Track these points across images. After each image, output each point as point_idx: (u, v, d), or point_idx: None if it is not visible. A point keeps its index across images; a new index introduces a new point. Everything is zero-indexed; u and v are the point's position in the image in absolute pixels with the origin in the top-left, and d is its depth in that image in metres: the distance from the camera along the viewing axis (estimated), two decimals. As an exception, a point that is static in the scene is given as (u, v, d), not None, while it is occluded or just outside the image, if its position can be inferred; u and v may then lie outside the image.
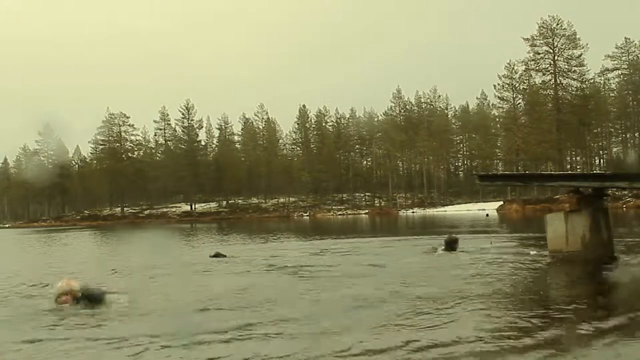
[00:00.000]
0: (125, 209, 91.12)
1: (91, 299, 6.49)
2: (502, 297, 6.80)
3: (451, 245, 11.65)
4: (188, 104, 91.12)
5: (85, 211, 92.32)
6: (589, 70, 71.30)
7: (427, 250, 12.41)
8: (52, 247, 24.92)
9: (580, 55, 69.45)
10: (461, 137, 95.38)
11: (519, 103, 74.33)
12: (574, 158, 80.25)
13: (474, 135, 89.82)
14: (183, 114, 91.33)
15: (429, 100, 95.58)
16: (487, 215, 17.07)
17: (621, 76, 75.14)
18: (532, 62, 71.04)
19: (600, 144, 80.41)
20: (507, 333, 4.92)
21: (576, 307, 6.04)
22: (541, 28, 69.68)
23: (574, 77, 70.61)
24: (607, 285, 7.90)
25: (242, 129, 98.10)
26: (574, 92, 71.07)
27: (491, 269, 9.11)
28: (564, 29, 69.12)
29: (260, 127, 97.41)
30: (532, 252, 10.89)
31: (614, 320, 5.13)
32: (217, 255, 13.10)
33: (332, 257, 12.68)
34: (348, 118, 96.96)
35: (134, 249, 19.80)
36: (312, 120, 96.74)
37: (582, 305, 6.19)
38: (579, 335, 4.73)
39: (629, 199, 52.34)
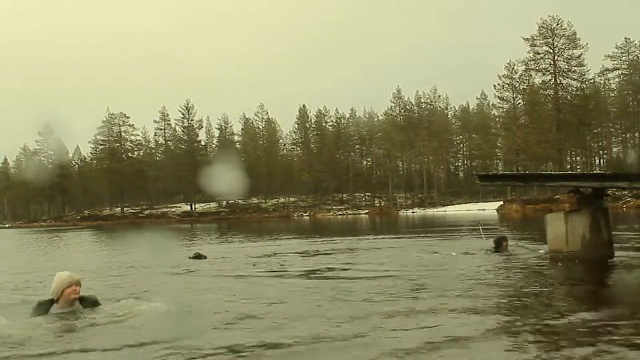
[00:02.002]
0: (125, 209, 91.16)
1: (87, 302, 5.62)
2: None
3: (499, 244, 11.03)
4: (188, 104, 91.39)
5: (85, 211, 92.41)
6: (589, 70, 71.45)
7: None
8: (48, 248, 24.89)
9: (580, 55, 69.54)
10: (461, 137, 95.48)
11: (519, 103, 74.28)
12: (574, 158, 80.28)
13: (474, 135, 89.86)
14: (183, 114, 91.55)
15: (429, 100, 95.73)
16: (479, 223, 16.64)
17: (621, 76, 75.21)
18: (532, 62, 71.07)
19: (600, 144, 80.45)
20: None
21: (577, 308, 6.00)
22: (541, 28, 69.72)
23: (574, 77, 70.62)
24: (608, 287, 7.86)
25: (242, 129, 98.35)
26: (574, 92, 71.04)
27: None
28: (564, 29, 69.16)
29: (260, 127, 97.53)
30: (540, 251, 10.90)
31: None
32: (197, 256, 12.11)
33: (324, 258, 12.13)
34: (348, 118, 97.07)
35: (122, 249, 19.70)
36: (312, 120, 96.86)
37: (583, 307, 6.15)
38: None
39: (629, 199, 52.35)
